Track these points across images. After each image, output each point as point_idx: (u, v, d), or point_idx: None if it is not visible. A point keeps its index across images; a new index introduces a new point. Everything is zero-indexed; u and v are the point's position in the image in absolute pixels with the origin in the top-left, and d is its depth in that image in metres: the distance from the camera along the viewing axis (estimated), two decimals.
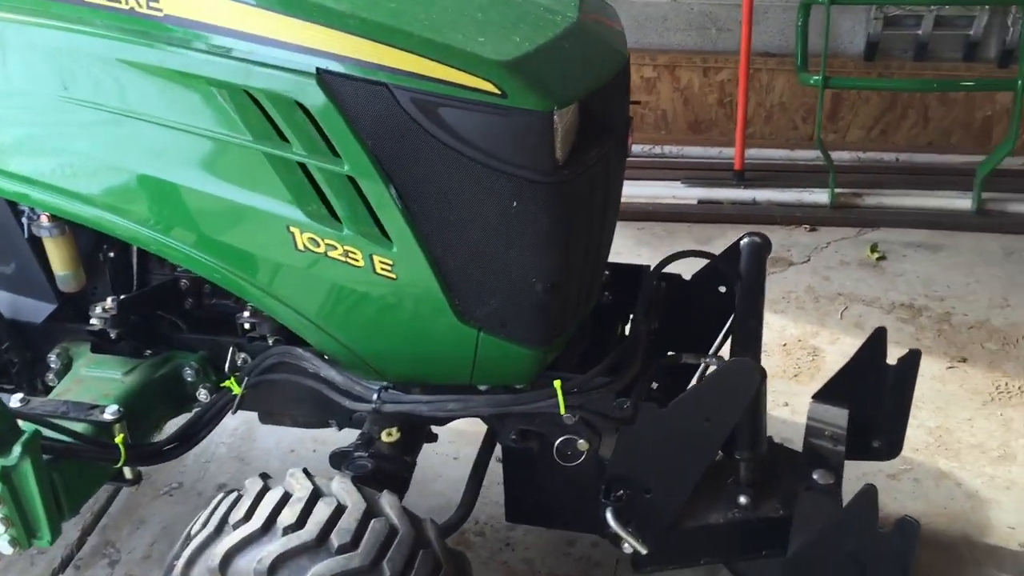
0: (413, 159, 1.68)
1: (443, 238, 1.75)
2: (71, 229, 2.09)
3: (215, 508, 1.85)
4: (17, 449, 1.74)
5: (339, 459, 2.14)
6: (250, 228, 1.83)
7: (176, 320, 2.27)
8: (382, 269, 1.80)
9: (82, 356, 2.24)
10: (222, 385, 2.15)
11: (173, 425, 2.32)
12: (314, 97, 1.65)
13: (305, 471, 1.89)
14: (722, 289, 2.43)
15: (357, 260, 1.80)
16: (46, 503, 1.83)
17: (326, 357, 2.02)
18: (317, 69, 1.63)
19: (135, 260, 2.24)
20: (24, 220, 2.07)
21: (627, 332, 2.33)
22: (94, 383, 2.12)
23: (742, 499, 2.20)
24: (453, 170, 1.68)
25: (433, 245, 1.76)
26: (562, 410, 1.83)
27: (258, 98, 1.69)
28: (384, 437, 2.13)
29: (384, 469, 2.09)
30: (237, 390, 2.13)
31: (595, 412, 1.91)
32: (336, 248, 1.79)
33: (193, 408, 2.26)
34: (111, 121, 1.81)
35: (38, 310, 2.21)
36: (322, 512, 1.77)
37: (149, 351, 2.23)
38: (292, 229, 1.80)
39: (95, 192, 1.91)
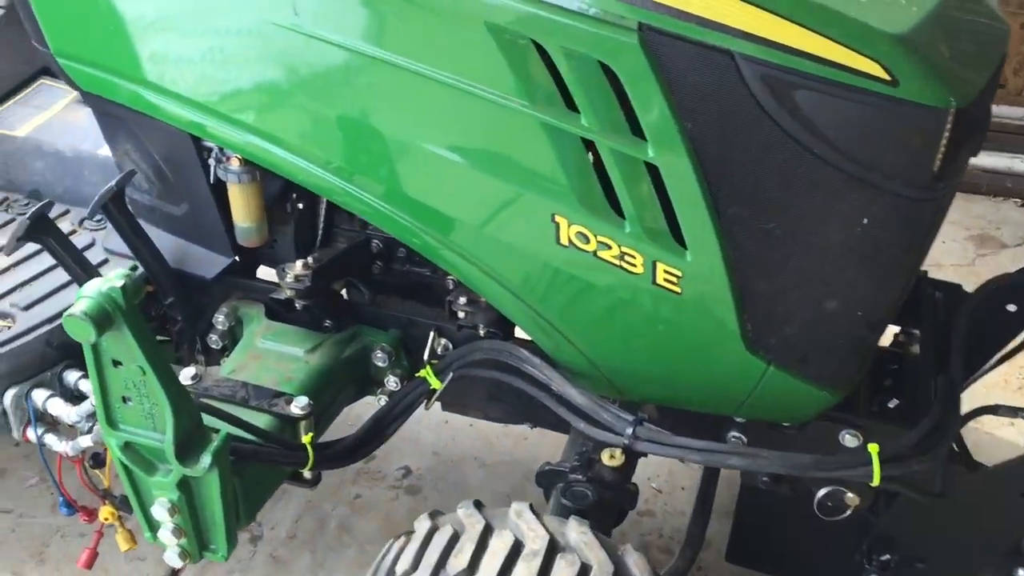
0: (743, 150, 1.31)
1: (755, 252, 1.40)
2: (262, 177, 1.78)
3: (425, 544, 1.57)
4: (206, 459, 1.47)
5: (550, 479, 1.83)
6: (503, 210, 1.50)
7: (362, 288, 1.97)
8: (665, 280, 1.45)
9: (254, 321, 1.95)
10: (417, 375, 1.85)
11: None
12: (629, 59, 1.28)
13: (532, 509, 1.59)
14: (1011, 308, 2.04)
15: (635, 266, 1.46)
16: (227, 513, 1.57)
17: (558, 367, 1.70)
18: (640, 24, 1.26)
19: (322, 215, 1.93)
20: (211, 161, 1.76)
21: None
22: (274, 361, 1.84)
23: (1021, 573, 1.87)
24: (794, 170, 1.31)
25: (739, 259, 1.41)
26: (876, 481, 1.49)
27: (551, 53, 1.32)
28: (607, 460, 1.82)
29: (606, 500, 1.79)
30: (436, 384, 1.82)
31: (908, 484, 1.57)
32: (610, 248, 1.45)
33: (377, 395, 1.97)
34: (343, 59, 1.46)
35: (211, 263, 1.92)
36: (563, 573, 1.47)
37: (329, 322, 1.93)
38: (558, 219, 1.45)
39: (309, 141, 1.58)
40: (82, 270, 1.74)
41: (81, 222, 1.99)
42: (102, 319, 1.34)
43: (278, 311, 1.95)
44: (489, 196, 1.50)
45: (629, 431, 1.59)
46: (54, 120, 2.26)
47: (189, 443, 1.49)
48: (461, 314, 1.80)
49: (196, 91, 1.64)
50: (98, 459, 1.81)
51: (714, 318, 1.48)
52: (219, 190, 1.82)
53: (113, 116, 1.84)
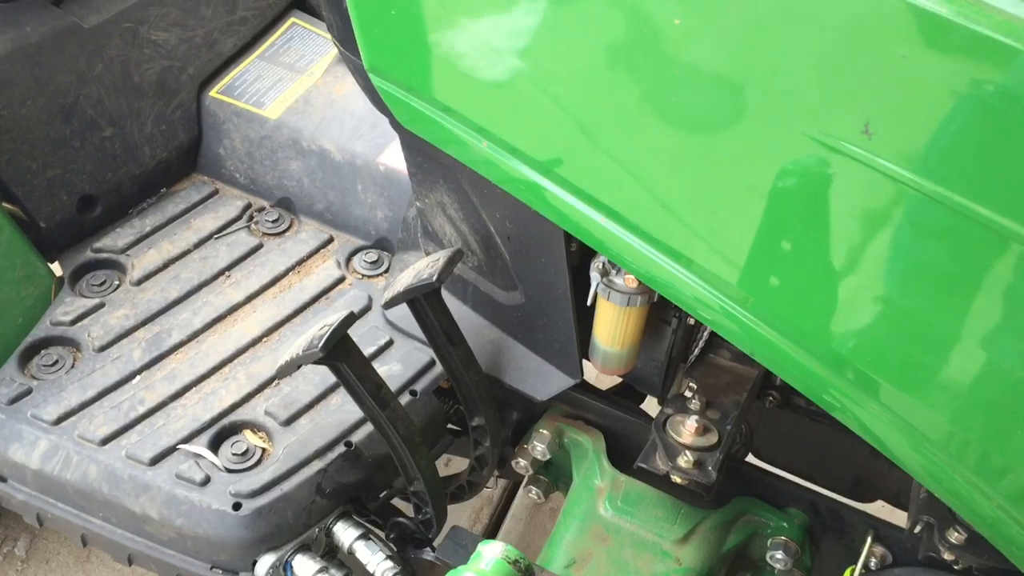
0: None
1: None
2: (656, 299, 1.19)
3: None
4: None
5: None
6: None
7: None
8: None
9: (588, 459, 1.40)
10: None
11: None
12: None
13: None
14: None
15: None
16: None
17: None
18: None
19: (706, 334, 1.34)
20: (594, 274, 1.18)
21: None
22: (631, 553, 1.29)
23: None
24: None
25: None
26: None
27: None
28: None
29: None
30: None
31: None
32: None
33: None
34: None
35: (543, 380, 1.37)
36: None
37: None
38: None
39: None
40: (382, 409, 1.22)
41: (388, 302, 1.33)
42: None
43: (617, 445, 1.41)
44: None
45: None
46: (314, 94, 1.70)
47: None
48: (945, 552, 1.20)
49: (607, 187, 1.04)
50: None
51: None
52: (581, 296, 1.25)
53: (438, 163, 1.27)
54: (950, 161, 0.77)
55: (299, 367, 1.16)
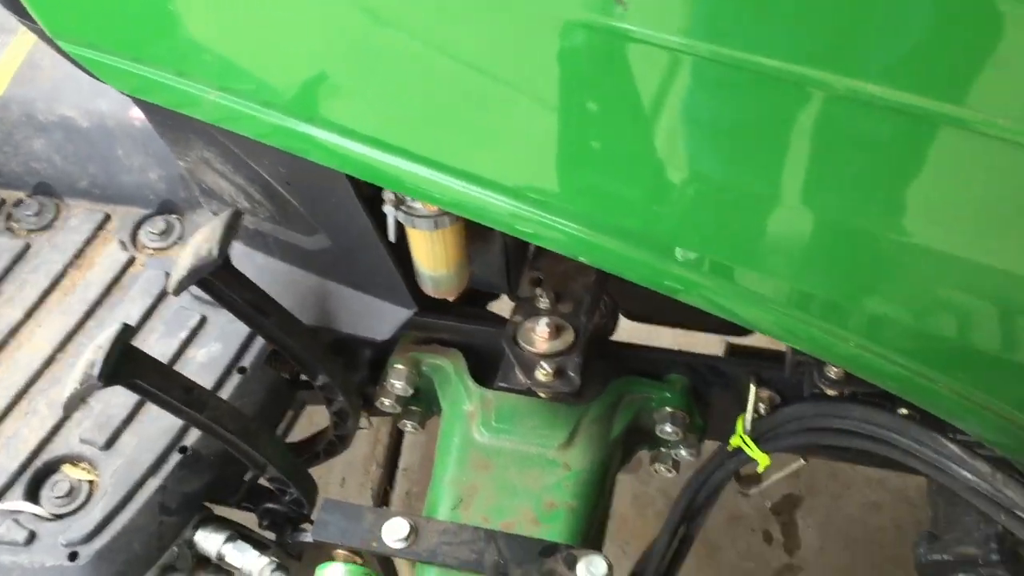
0: None
1: None
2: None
3: None
4: None
5: (947, 570, 1.28)
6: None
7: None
8: None
9: (453, 384, 1.30)
10: (732, 445, 1.24)
11: None
12: None
13: None
14: None
15: None
16: None
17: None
18: None
19: None
20: (387, 208, 1.03)
21: None
22: (516, 473, 1.20)
23: None
24: None
25: None
26: None
27: None
28: None
29: None
30: (763, 460, 1.23)
31: None
32: None
33: (651, 462, 1.37)
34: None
35: (378, 318, 1.25)
36: None
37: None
38: None
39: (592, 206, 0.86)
40: (200, 412, 1.08)
41: (174, 290, 1.11)
42: None
43: (480, 359, 1.31)
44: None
45: None
46: (38, 56, 1.45)
47: None
48: (828, 388, 1.14)
49: (367, 120, 0.89)
50: None
51: None
52: (384, 221, 1.11)
53: (184, 121, 1.09)
54: (715, 17, 0.65)
55: (83, 400, 1.01)
